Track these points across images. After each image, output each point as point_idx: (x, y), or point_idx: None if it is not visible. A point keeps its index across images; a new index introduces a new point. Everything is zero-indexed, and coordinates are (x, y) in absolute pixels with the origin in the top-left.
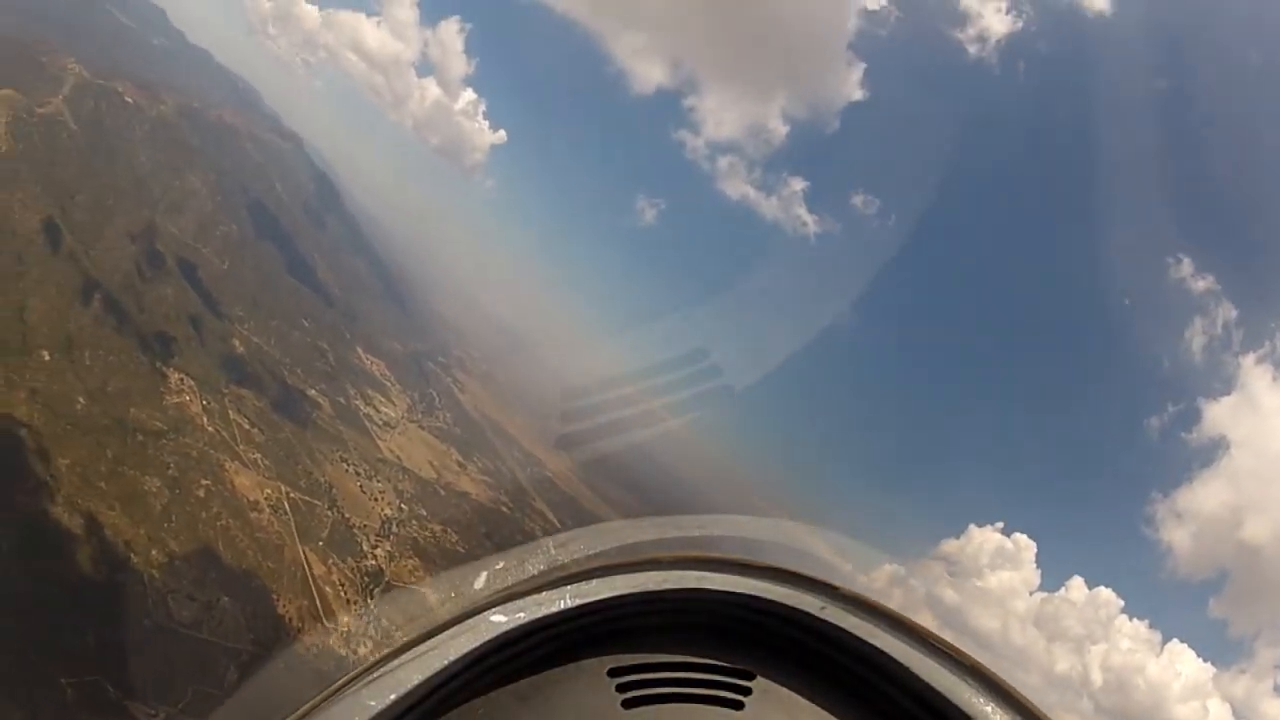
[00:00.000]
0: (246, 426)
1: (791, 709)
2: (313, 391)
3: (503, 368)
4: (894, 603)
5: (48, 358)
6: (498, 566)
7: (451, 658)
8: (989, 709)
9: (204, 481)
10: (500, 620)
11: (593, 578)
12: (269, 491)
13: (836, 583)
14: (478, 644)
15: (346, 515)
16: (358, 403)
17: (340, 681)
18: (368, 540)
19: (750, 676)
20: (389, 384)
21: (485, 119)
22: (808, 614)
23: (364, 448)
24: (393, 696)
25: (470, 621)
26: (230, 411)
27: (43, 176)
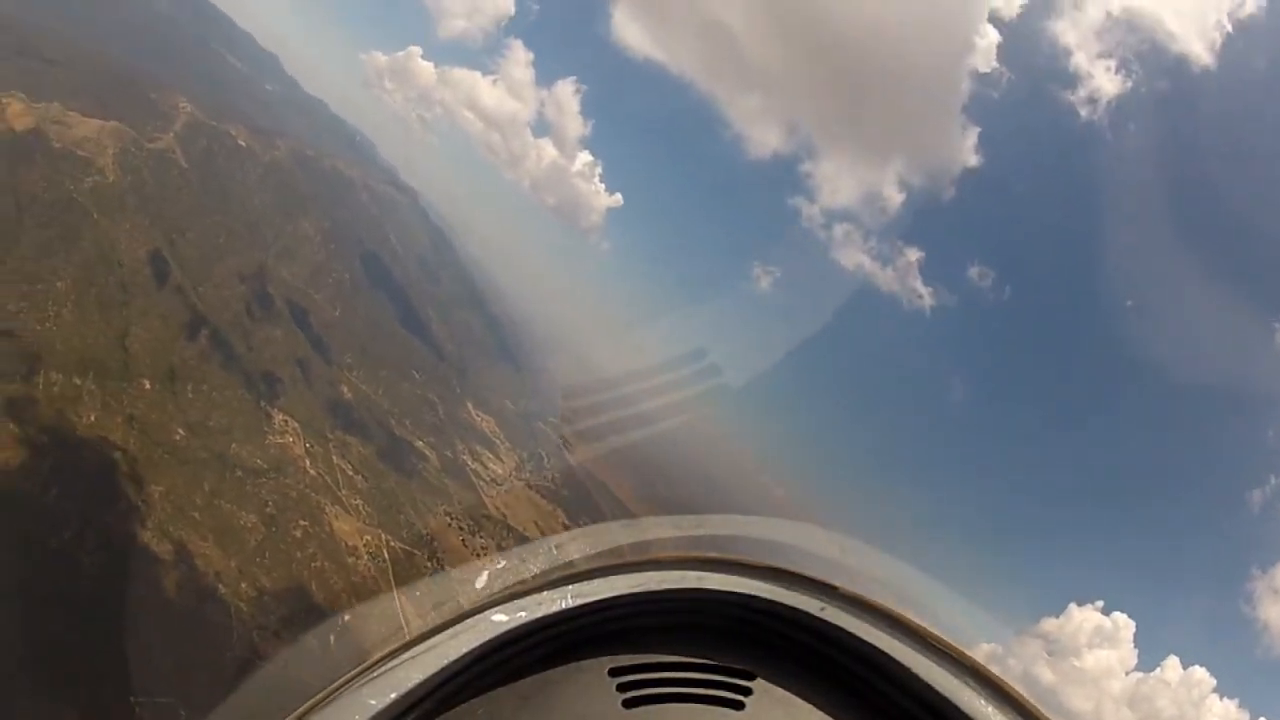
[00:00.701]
0: (350, 472)
1: (792, 709)
2: (420, 443)
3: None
4: None
5: (148, 386)
6: (499, 566)
7: (452, 657)
8: (989, 709)
9: (302, 522)
10: (501, 620)
11: (593, 578)
12: (368, 538)
13: (836, 583)
14: (479, 643)
15: (447, 568)
16: (465, 457)
17: (341, 680)
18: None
19: (750, 676)
20: (498, 441)
21: (601, 182)
22: (808, 614)
23: (469, 503)
24: (394, 695)
25: (471, 621)
26: (334, 456)
27: (151, 210)
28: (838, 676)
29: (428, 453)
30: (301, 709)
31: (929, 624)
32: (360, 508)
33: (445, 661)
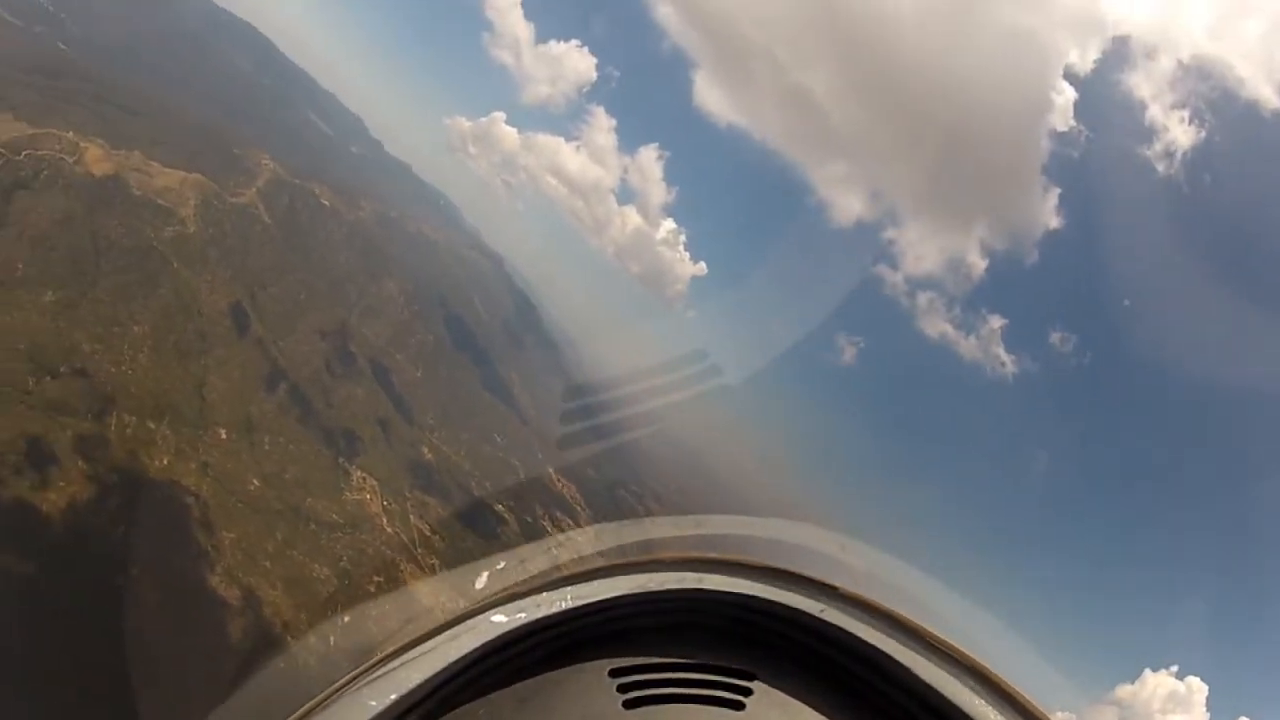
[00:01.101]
0: (428, 532)
1: (792, 710)
2: (500, 506)
3: (693, 502)
4: None
5: (224, 435)
6: (498, 567)
7: (452, 658)
8: (989, 709)
9: (376, 578)
10: (501, 620)
11: (593, 578)
12: (444, 599)
13: (837, 583)
14: (478, 644)
15: None
16: (545, 523)
17: (341, 681)
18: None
19: (751, 677)
20: (579, 508)
21: (686, 250)
22: (808, 614)
23: (547, 569)
24: (393, 697)
25: (471, 622)
26: (412, 516)
27: (233, 263)
28: (838, 677)
29: (507, 516)
30: (301, 710)
31: (930, 624)
32: (437, 567)
33: (445, 662)
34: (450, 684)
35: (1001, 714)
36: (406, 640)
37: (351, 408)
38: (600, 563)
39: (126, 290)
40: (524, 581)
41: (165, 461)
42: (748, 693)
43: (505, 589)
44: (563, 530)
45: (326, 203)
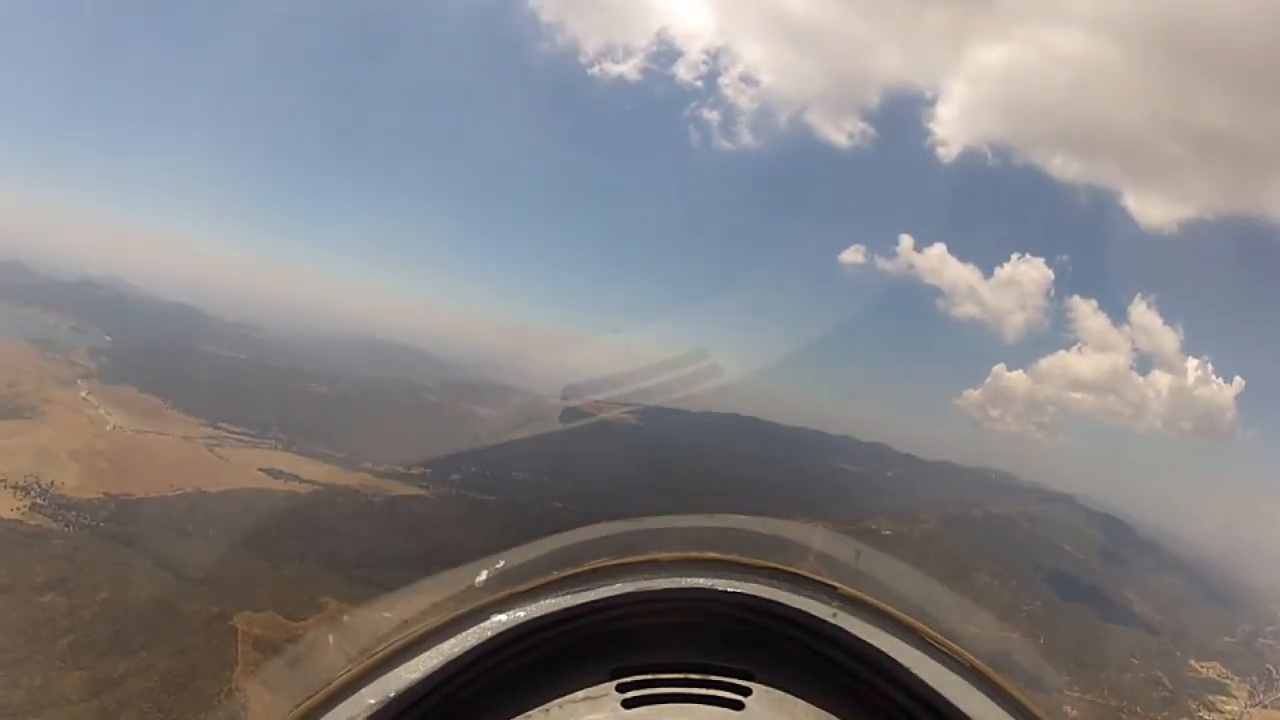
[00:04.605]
0: None
1: (791, 709)
2: None
3: None
4: None
5: None
6: (498, 566)
7: (452, 657)
8: (989, 709)
9: None
10: (501, 620)
11: (593, 578)
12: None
13: (836, 583)
14: (479, 644)
15: None
16: (1201, 714)
17: (341, 679)
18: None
19: (750, 677)
20: (1227, 681)
21: (1217, 376)
22: (807, 614)
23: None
24: (393, 695)
25: (471, 621)
26: None
27: None
28: (838, 677)
29: None
30: (301, 708)
31: (930, 625)
32: None
33: (445, 661)
34: (451, 683)
35: (1001, 713)
36: (407, 640)
37: None
38: (600, 563)
39: None
40: (524, 581)
41: None
42: (747, 692)
43: (506, 588)
44: (1219, 710)
45: (888, 532)
